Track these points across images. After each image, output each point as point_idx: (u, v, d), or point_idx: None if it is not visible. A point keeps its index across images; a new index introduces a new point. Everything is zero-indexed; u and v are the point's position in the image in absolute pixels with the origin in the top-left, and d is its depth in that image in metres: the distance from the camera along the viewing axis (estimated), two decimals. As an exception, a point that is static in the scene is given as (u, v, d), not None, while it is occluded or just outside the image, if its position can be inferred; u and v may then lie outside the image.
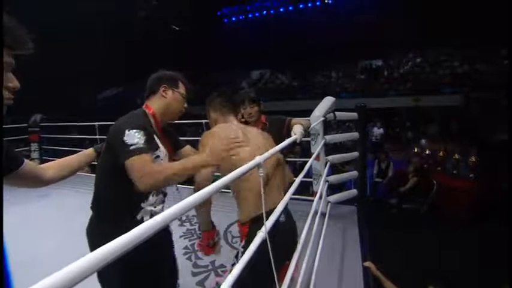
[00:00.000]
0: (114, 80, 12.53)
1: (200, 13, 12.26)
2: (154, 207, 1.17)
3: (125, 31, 10.38)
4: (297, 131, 1.59)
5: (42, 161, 4.92)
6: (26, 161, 0.89)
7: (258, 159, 0.72)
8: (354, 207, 3.13)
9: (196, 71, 11.59)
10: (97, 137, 3.86)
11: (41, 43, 0.82)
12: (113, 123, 1.11)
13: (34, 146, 4.99)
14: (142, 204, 1.13)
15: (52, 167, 1.03)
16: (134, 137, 1.00)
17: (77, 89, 9.80)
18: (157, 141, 1.16)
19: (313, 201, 2.03)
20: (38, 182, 0.95)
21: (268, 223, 0.84)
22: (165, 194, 1.25)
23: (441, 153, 6.46)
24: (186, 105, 1.31)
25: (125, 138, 1.00)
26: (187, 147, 1.45)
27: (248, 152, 1.16)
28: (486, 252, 3.10)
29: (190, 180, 1.14)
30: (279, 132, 1.73)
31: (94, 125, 3.93)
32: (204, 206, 1.12)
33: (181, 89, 1.29)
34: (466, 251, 3.27)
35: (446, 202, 4.59)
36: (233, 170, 0.66)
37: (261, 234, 0.77)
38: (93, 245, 1.13)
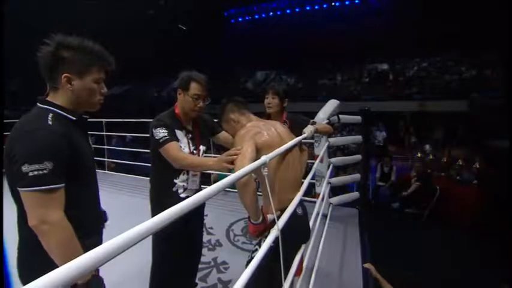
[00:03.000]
0: (121, 77, 12.64)
1: (207, 13, 12.35)
2: (187, 183, 1.49)
3: (132, 29, 10.48)
4: (306, 130, 1.68)
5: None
6: None
7: (264, 158, 0.75)
8: (356, 210, 3.14)
9: (202, 71, 11.60)
10: (103, 133, 3.92)
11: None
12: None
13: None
14: (175, 180, 1.46)
15: None
16: (159, 132, 1.36)
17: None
18: (181, 134, 1.46)
19: (315, 202, 2.06)
20: None
21: (285, 216, 0.97)
22: (196, 174, 1.53)
23: (445, 159, 6.43)
24: (201, 103, 1.46)
25: (154, 135, 1.37)
26: (222, 133, 1.67)
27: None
28: (487, 259, 3.09)
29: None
30: (301, 134, 1.72)
31: (101, 122, 3.99)
32: (246, 193, 1.06)
33: (193, 90, 1.44)
34: (467, 257, 3.27)
35: (449, 208, 4.58)
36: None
37: (274, 232, 0.81)
38: (151, 207, 1.52)
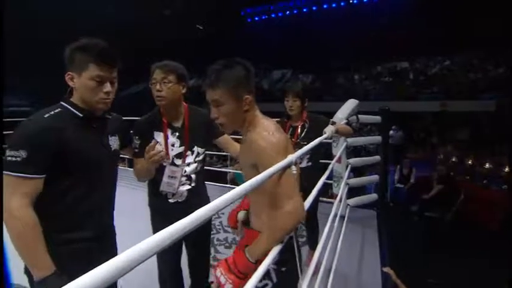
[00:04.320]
0: (137, 77, 12.97)
1: (224, 13, 12.44)
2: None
3: (149, 29, 10.70)
4: (327, 130, 1.65)
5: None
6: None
7: (291, 157, 0.74)
8: (374, 212, 3.07)
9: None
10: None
11: (65, 41, 0.95)
12: (137, 118, 1.41)
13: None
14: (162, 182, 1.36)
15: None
16: (133, 142, 1.31)
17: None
18: (160, 136, 1.33)
19: (331, 203, 2.03)
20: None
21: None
22: (173, 177, 1.37)
23: (470, 162, 6.15)
24: (157, 87, 1.27)
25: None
26: (225, 137, 1.47)
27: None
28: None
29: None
30: (321, 134, 1.66)
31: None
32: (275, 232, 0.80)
33: (152, 76, 1.30)
34: (491, 262, 3.11)
35: (475, 213, 4.37)
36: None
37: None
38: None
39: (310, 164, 1.96)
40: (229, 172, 4.36)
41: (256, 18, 13.80)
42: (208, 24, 12.20)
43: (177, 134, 1.34)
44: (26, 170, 0.82)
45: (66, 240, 0.92)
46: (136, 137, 1.31)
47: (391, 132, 8.45)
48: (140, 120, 1.38)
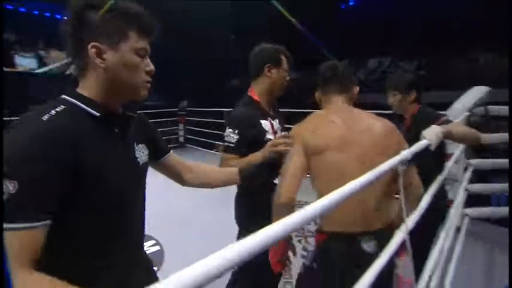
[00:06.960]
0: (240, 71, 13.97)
1: (317, 1, 12.04)
2: None
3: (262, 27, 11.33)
4: (426, 133, 1.05)
5: (186, 139, 6.31)
6: (171, 154, 0.92)
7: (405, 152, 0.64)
8: (503, 229, 2.47)
9: (311, 61, 11.49)
10: (222, 121, 4.60)
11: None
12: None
13: (181, 126, 6.61)
14: None
15: (194, 170, 0.95)
16: (229, 136, 1.21)
17: (209, 80, 11.47)
18: (266, 124, 1.27)
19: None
20: (177, 178, 0.94)
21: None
22: None
23: None
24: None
25: (225, 135, 1.22)
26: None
27: (342, 159, 0.94)
28: None
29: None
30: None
31: (222, 111, 4.79)
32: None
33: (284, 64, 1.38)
34: None
35: None
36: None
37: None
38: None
39: None
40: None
41: (351, 3, 12.78)
42: (301, 16, 12.08)
43: (278, 120, 1.35)
44: (16, 218, 0.48)
45: None
46: (235, 131, 1.20)
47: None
48: (241, 112, 1.27)
